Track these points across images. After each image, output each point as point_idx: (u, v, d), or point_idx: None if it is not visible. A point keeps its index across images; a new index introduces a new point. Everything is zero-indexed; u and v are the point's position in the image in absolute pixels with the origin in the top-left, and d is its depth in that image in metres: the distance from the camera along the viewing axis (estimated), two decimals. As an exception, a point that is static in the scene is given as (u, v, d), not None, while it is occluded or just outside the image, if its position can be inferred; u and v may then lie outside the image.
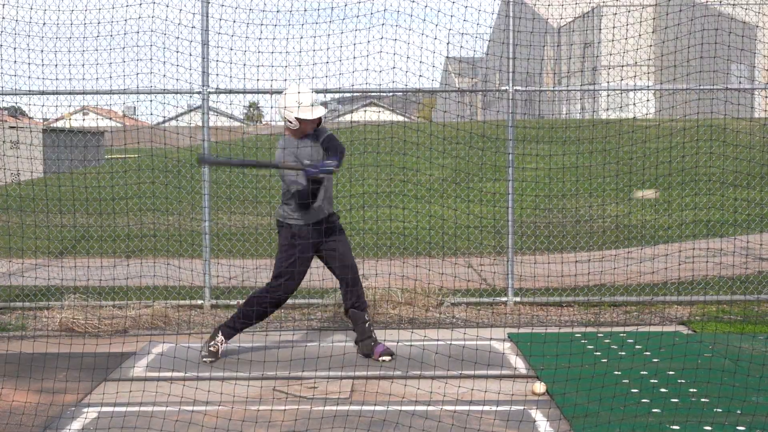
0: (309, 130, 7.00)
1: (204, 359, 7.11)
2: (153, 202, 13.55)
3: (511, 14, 9.03)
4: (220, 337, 7.16)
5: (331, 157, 6.78)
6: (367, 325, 7.22)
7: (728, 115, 9.59)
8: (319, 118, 7.00)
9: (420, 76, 8.72)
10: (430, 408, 5.75)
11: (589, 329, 8.20)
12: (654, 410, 5.67)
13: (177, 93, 9.14)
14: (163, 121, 11.87)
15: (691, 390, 6.09)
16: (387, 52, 8.67)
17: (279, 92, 7.93)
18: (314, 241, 6.98)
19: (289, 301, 9.16)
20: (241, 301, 8.82)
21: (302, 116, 6.89)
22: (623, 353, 7.15)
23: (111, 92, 8.99)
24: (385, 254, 11.21)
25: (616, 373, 6.53)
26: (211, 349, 7.13)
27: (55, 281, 9.69)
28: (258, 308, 7.11)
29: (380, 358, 7.13)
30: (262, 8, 8.63)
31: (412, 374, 6.54)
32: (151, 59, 8.66)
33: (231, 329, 7.19)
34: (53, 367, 6.64)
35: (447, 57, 10.46)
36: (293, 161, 6.85)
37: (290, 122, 6.93)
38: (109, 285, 9.48)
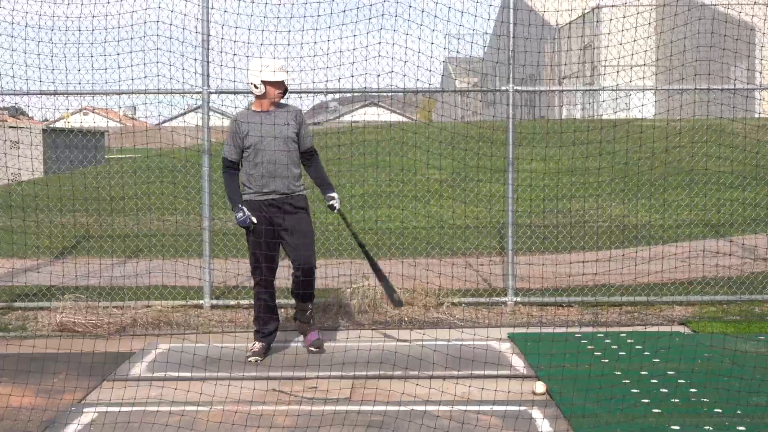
0: (275, 97, 7.06)
1: (249, 360, 7.16)
2: (153, 202, 13.56)
3: (511, 14, 9.03)
4: (253, 343, 7.29)
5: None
6: (308, 312, 7.39)
7: (731, 117, 9.60)
8: (285, 87, 7.06)
9: (417, 80, 8.75)
10: (430, 408, 5.75)
11: (589, 329, 8.21)
12: (654, 410, 5.67)
13: (176, 93, 9.13)
14: (164, 122, 11.88)
15: (691, 390, 6.09)
16: (387, 53, 8.69)
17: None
18: (266, 216, 7.00)
19: (290, 301, 9.18)
20: (242, 301, 9.07)
21: (267, 78, 6.95)
22: (623, 353, 7.16)
23: (109, 92, 8.98)
24: (385, 254, 11.21)
25: (617, 373, 6.53)
26: (255, 349, 7.24)
27: (55, 281, 9.69)
28: (257, 310, 7.29)
29: (309, 347, 7.36)
30: (262, 9, 8.62)
31: (412, 374, 6.54)
32: (156, 63, 8.70)
33: (254, 331, 7.34)
34: (53, 367, 6.65)
35: (447, 59, 10.48)
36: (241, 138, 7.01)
37: (256, 87, 7.00)
38: (109, 285, 9.48)
